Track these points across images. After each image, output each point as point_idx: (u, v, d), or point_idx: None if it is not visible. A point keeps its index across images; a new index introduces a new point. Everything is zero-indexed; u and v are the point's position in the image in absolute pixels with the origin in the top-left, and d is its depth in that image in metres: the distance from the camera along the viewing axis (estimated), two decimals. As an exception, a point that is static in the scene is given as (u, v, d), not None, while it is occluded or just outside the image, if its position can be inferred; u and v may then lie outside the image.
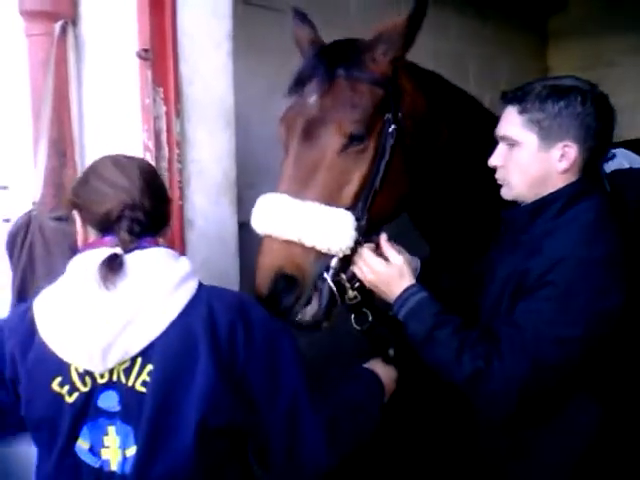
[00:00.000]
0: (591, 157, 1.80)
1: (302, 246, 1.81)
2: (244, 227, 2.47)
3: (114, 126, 2.19)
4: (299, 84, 1.98)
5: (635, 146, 3.43)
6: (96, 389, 1.50)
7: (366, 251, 1.87)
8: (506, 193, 1.88)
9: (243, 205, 2.50)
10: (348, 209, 1.85)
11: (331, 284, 1.84)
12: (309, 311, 1.86)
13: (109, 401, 1.50)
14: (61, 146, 2.20)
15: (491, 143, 1.93)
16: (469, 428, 2.09)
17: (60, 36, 2.15)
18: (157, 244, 1.59)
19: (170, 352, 1.47)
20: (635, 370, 1.90)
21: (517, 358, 1.64)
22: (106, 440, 1.50)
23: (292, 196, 1.84)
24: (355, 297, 1.90)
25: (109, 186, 1.55)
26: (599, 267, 1.67)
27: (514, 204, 1.93)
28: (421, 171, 2.07)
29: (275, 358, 1.56)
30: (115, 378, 1.49)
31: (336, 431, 1.62)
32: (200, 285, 1.58)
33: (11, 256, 2.18)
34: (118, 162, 1.61)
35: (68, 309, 1.49)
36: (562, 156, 1.76)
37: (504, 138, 1.84)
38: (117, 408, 1.49)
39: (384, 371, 1.89)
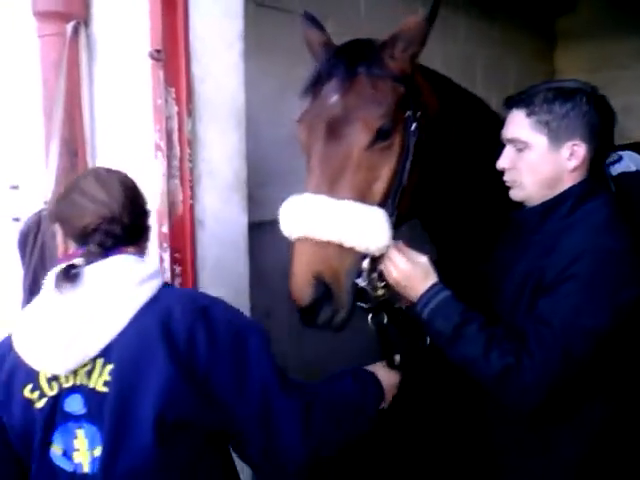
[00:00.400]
0: (596, 156, 1.87)
1: (339, 248, 1.77)
2: (254, 227, 2.49)
3: (126, 126, 2.20)
4: (316, 84, 1.96)
5: (642, 148, 3.43)
6: (62, 393, 1.54)
7: (392, 249, 1.83)
8: (516, 194, 1.91)
9: (253, 205, 2.51)
10: (379, 206, 1.83)
11: (364, 285, 1.81)
12: (341, 313, 1.81)
13: (75, 404, 1.53)
14: (73, 146, 2.22)
15: (497, 145, 1.95)
16: (480, 426, 2.08)
17: (72, 37, 2.17)
18: (125, 252, 1.62)
19: (127, 351, 1.50)
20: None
21: (546, 352, 1.66)
22: (76, 443, 1.53)
23: (325, 195, 1.80)
24: (383, 295, 1.87)
25: (89, 200, 1.60)
26: (620, 258, 1.72)
27: (520, 205, 1.97)
28: (431, 171, 2.07)
29: (242, 356, 1.55)
30: (79, 381, 1.52)
31: (315, 418, 1.60)
32: (163, 286, 1.60)
33: (23, 255, 2.19)
34: (99, 176, 1.65)
35: (34, 318, 1.55)
36: (571, 155, 1.82)
37: (513, 141, 1.87)
38: (83, 411, 1.52)
39: (386, 375, 1.88)
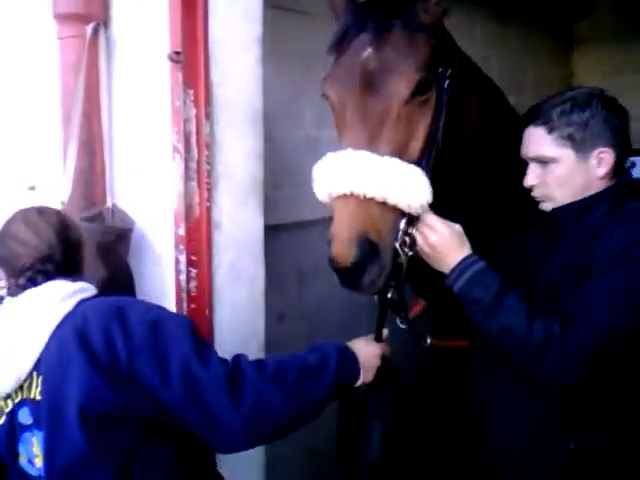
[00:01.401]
0: (622, 157, 1.87)
1: (383, 205, 1.69)
2: (269, 230, 2.49)
3: (144, 128, 2.21)
4: (345, 40, 1.87)
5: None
6: (15, 408, 1.68)
7: (430, 214, 1.78)
8: (548, 207, 1.91)
9: (269, 208, 2.52)
10: (416, 164, 1.76)
11: (397, 247, 1.74)
12: (384, 275, 1.73)
13: (24, 416, 1.67)
14: (91, 147, 2.23)
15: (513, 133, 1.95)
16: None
17: (92, 38, 2.18)
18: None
19: (50, 361, 1.61)
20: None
21: (594, 327, 1.66)
22: (35, 450, 1.67)
23: (366, 151, 1.71)
24: (403, 263, 1.78)
25: (21, 245, 1.73)
26: None
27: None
28: (456, 137, 2.00)
29: (159, 343, 1.60)
30: (25, 395, 1.67)
31: (246, 381, 1.61)
32: (85, 300, 1.69)
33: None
34: (28, 221, 1.77)
35: None
36: (599, 162, 1.82)
37: (537, 159, 1.86)
38: (30, 421, 1.66)
39: (364, 347, 1.87)
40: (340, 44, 1.89)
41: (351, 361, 1.80)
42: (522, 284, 1.84)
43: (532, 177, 1.88)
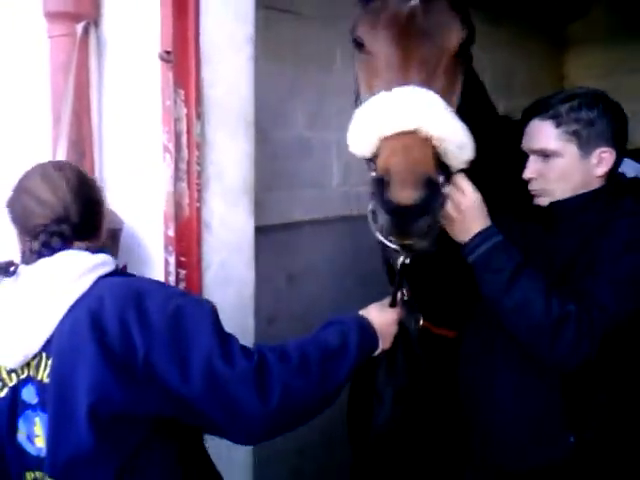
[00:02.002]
0: (619, 157, 1.92)
1: (437, 150, 1.58)
2: (259, 231, 2.48)
3: (134, 127, 2.19)
4: None
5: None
6: (19, 384, 1.61)
7: (463, 176, 1.72)
8: (546, 202, 1.93)
9: (259, 209, 2.51)
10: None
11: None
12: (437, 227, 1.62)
13: (29, 394, 1.60)
14: (80, 147, 2.21)
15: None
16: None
17: (82, 37, 2.15)
18: (73, 247, 1.65)
19: (62, 345, 1.54)
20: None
21: (604, 309, 1.71)
22: (36, 430, 1.60)
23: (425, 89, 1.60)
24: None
25: (36, 202, 1.64)
26: None
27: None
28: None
29: (179, 336, 1.52)
30: (32, 373, 1.59)
31: (272, 374, 1.55)
32: (103, 276, 1.61)
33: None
34: (45, 175, 1.67)
35: None
36: (599, 162, 1.87)
37: (540, 151, 1.90)
38: (36, 400, 1.59)
39: (380, 315, 1.81)
40: None
41: (370, 335, 1.75)
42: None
43: (532, 169, 1.92)
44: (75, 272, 1.57)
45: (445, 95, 1.64)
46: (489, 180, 1.95)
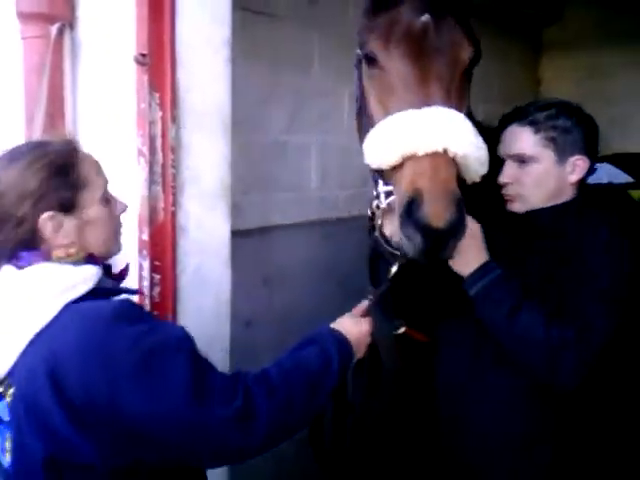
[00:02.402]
0: (591, 166, 1.98)
1: (462, 164, 1.59)
2: (236, 235, 2.46)
3: (109, 130, 2.17)
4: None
5: (622, 161, 3.45)
6: None
7: None
8: (519, 207, 1.97)
9: (236, 212, 2.49)
10: None
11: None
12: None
13: (2, 410, 1.50)
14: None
15: None
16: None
17: (56, 39, 2.13)
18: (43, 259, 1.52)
19: (20, 382, 1.44)
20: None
21: (597, 331, 1.77)
22: (6, 445, 1.50)
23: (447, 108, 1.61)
24: None
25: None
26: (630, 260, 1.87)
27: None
28: None
29: (150, 379, 1.40)
30: (2, 390, 1.49)
31: (260, 417, 1.47)
32: (70, 304, 1.46)
33: None
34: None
35: None
36: (573, 169, 1.93)
37: (518, 156, 1.94)
38: (7, 418, 1.49)
39: (354, 327, 1.79)
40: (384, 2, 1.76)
41: (348, 351, 1.73)
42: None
43: (508, 174, 1.95)
44: (43, 294, 1.45)
45: (460, 111, 1.64)
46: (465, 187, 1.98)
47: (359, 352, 1.79)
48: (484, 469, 2.01)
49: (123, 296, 1.66)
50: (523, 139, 1.93)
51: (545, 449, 1.94)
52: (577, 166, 1.92)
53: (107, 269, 1.71)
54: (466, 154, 1.57)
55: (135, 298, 2.01)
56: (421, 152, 1.54)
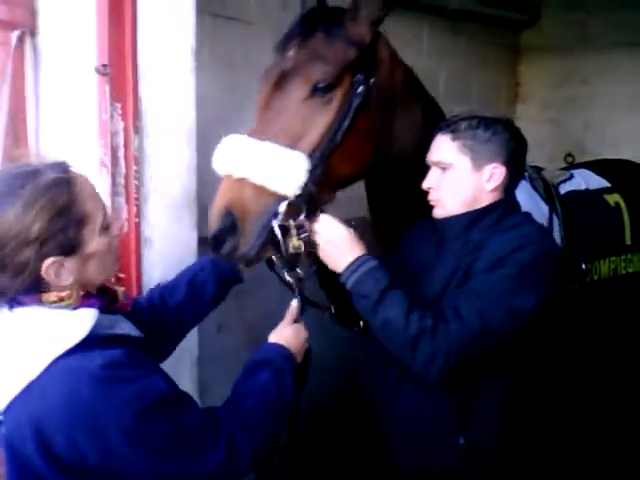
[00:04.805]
0: (514, 178, 2.04)
1: (253, 186, 1.89)
2: (204, 242, 2.43)
3: (71, 140, 2.14)
4: (283, 42, 2.09)
5: (598, 166, 3.45)
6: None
7: (326, 215, 1.98)
8: (440, 213, 2.05)
9: (204, 220, 2.46)
10: (306, 155, 1.93)
11: (275, 227, 1.91)
12: (242, 247, 1.92)
13: None
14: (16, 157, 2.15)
15: None
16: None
17: (17, 46, 2.10)
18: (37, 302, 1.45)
19: (8, 432, 1.41)
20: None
21: (463, 323, 1.79)
22: None
23: (253, 138, 1.92)
24: (299, 247, 1.94)
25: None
26: (553, 258, 1.97)
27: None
28: (389, 145, 2.20)
29: (138, 443, 1.40)
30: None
31: (237, 455, 1.54)
32: (60, 358, 1.39)
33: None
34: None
35: None
36: (490, 177, 1.98)
37: (438, 163, 2.01)
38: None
39: (295, 337, 1.87)
40: (280, 45, 2.11)
41: (294, 364, 1.81)
42: (411, 286, 1.96)
43: (430, 180, 2.03)
44: (33, 349, 1.39)
45: (293, 136, 1.93)
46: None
47: (298, 360, 1.87)
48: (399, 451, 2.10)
49: None
50: (442, 147, 2.00)
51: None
52: (494, 174, 1.97)
53: (112, 296, 1.62)
54: (246, 177, 1.88)
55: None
56: (220, 174, 1.94)
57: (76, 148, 2.12)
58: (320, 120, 1.98)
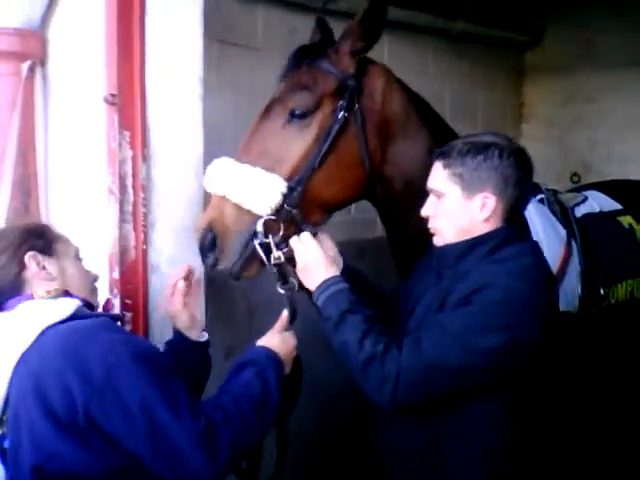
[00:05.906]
0: (514, 205, 1.95)
1: (233, 205, 2.02)
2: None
3: (80, 168, 2.17)
4: (281, 75, 2.23)
5: (608, 188, 3.46)
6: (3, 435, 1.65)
7: (306, 233, 2.03)
8: (438, 241, 2.01)
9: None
10: (286, 179, 2.04)
11: (257, 246, 2.03)
12: (223, 262, 2.06)
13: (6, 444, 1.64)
14: (25, 187, 2.18)
15: None
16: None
17: (28, 76, 2.13)
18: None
19: (11, 405, 1.59)
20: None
21: (415, 352, 1.76)
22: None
23: (236, 161, 2.05)
24: (279, 257, 2.03)
25: None
26: (521, 300, 1.81)
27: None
28: (390, 170, 2.25)
29: (118, 385, 1.53)
30: (4, 428, 1.65)
31: (221, 436, 1.59)
32: (48, 329, 1.61)
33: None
34: None
35: None
36: (482, 206, 1.90)
37: (433, 190, 1.98)
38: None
39: (284, 344, 1.92)
40: (278, 80, 2.25)
41: (281, 368, 1.86)
42: (403, 317, 1.98)
43: (427, 208, 2.00)
44: (22, 325, 1.61)
45: (273, 159, 2.05)
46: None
47: (287, 366, 1.91)
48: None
49: None
50: (436, 175, 1.96)
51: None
52: (486, 203, 1.89)
53: (90, 307, 1.82)
54: (225, 196, 2.02)
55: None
56: (209, 191, 2.10)
57: (85, 176, 2.15)
58: (298, 145, 2.08)
